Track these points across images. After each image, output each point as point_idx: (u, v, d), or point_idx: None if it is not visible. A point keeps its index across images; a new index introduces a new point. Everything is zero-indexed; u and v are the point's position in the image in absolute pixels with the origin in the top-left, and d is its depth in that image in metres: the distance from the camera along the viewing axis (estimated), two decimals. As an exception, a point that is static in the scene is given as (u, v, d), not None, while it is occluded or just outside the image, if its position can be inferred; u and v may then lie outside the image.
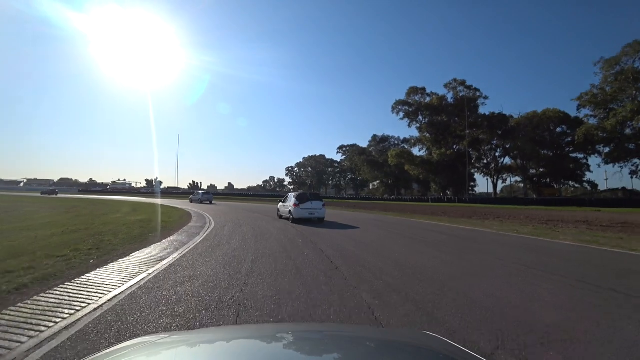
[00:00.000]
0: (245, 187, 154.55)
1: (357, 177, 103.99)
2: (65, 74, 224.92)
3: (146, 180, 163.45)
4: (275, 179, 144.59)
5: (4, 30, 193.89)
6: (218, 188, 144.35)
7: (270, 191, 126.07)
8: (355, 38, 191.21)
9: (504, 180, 64.05)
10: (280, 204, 17.20)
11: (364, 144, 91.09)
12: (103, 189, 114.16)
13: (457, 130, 56.61)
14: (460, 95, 57.23)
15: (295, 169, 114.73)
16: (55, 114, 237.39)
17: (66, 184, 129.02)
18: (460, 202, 45.25)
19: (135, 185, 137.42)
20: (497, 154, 59.53)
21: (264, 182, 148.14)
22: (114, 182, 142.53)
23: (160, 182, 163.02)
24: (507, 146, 55.28)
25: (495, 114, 54.96)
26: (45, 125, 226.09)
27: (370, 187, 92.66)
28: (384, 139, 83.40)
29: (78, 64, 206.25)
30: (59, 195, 55.87)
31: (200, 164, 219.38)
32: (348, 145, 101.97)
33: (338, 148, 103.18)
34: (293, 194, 15.70)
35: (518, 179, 64.19)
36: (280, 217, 16.76)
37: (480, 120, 55.22)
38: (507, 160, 59.22)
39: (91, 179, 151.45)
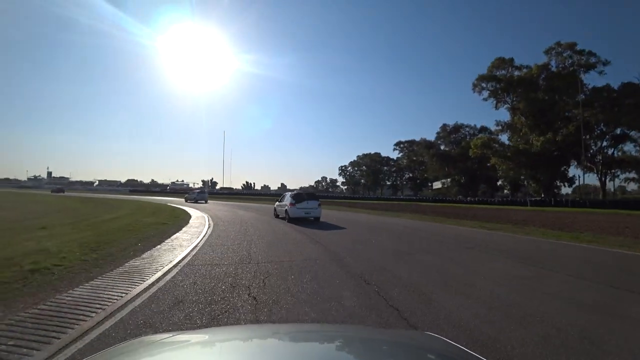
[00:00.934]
0: (298, 187, 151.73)
1: (417, 176, 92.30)
2: (134, 84, 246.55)
3: (202, 181, 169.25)
4: (328, 179, 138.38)
5: (83, 47, 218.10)
6: (271, 188, 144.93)
7: (322, 191, 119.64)
8: (409, 23, 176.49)
9: (613, 177, 47.57)
10: (277, 203, 16.94)
11: (425, 137, 79.58)
12: (163, 189, 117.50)
13: (564, 110, 42.92)
14: (569, 62, 43.37)
15: (349, 168, 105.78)
16: (126, 121, 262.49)
17: (130, 185, 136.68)
18: (577, 207, 32.22)
19: (192, 186, 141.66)
20: (604, 143, 44.73)
21: (315, 182, 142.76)
22: (173, 183, 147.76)
23: (215, 183, 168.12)
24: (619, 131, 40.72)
25: (623, 84, 40.28)
26: (117, 132, 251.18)
27: (434, 187, 78.64)
28: (457, 128, 70.00)
29: (146, 74, 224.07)
30: (82, 195, 54.94)
31: (254, 165, 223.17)
32: (406, 142, 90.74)
33: (395, 145, 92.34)
34: (289, 193, 15.83)
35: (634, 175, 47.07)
36: (277, 216, 16.47)
37: (602, 95, 40.88)
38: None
39: (153, 179, 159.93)
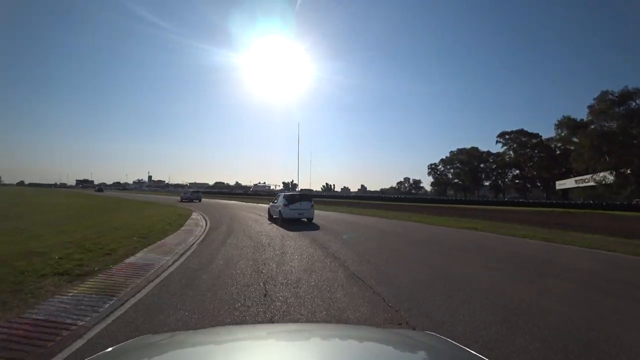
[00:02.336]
0: (378, 189, 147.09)
1: (527, 174, 75.28)
2: (223, 96, 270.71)
3: (283, 182, 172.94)
4: (411, 180, 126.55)
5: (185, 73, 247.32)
6: (351, 190, 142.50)
7: (404, 193, 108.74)
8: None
9: None
10: (271, 204, 16.53)
11: (533, 128, 62.86)
12: (245, 191, 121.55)
13: None
14: None
15: (439, 166, 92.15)
16: (215, 129, 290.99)
17: (217, 187, 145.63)
18: None
19: (273, 188, 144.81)
20: None
21: (398, 183, 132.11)
22: (255, 185, 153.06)
23: (295, 185, 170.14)
24: None
25: None
26: (206, 139, 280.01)
27: (573, 183, 57.21)
28: (627, 94, 45.81)
29: (233, 85, 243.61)
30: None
31: (335, 167, 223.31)
32: (513, 132, 74.62)
33: (498, 136, 76.69)
34: (282, 194, 15.67)
35: None
36: (271, 216, 16.05)
37: None
38: None
39: (237, 182, 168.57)
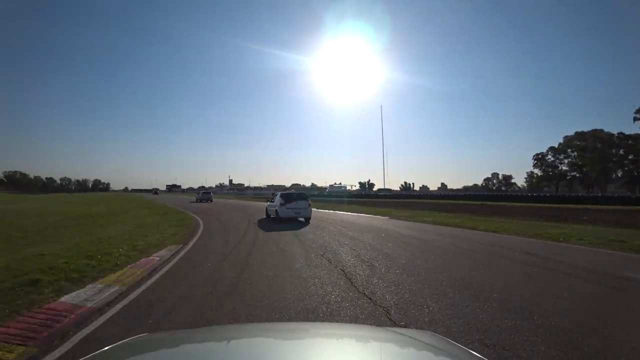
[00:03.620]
0: (461, 186, 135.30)
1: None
2: (297, 101, 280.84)
3: (359, 182, 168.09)
4: (500, 176, 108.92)
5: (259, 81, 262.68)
6: (430, 189, 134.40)
7: (492, 190, 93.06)
8: None
9: None
10: (269, 203, 16.55)
11: None
12: (321, 192, 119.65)
13: None
14: None
15: (548, 156, 73.97)
16: (296, 131, 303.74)
17: (294, 189, 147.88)
18: None
19: (349, 188, 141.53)
20: None
21: (485, 180, 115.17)
22: (331, 186, 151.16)
23: (372, 185, 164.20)
24: None
25: None
26: (282, 143, 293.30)
27: None
28: None
29: (308, 88, 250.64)
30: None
31: (414, 165, 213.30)
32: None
33: (637, 112, 58.62)
34: (279, 193, 15.43)
35: None
36: (269, 216, 15.96)
37: None
38: None
39: (313, 183, 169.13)
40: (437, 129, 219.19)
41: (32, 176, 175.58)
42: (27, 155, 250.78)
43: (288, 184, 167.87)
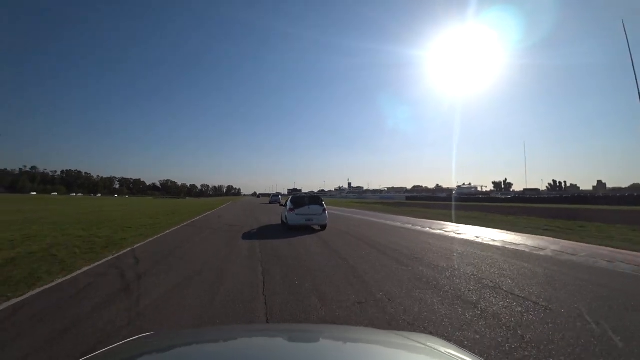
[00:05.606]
0: (628, 184, 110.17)
1: None
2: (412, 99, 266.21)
3: (493, 182, 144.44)
4: None
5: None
6: (580, 188, 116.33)
7: None
8: None
9: None
10: (283, 207, 14.29)
11: None
12: (448, 195, 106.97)
13: None
14: None
15: None
16: (410, 132, 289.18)
17: (416, 191, 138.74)
18: None
19: (480, 189, 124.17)
20: None
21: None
22: (459, 187, 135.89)
23: (510, 184, 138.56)
24: None
25: None
26: (399, 145, 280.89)
27: None
28: None
29: (425, 83, 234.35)
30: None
31: (562, 161, 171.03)
32: None
33: None
34: (291, 197, 13.38)
35: None
36: (284, 223, 13.75)
37: None
38: None
39: (437, 184, 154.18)
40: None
41: (179, 183, 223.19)
42: (177, 165, 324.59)
43: (409, 186, 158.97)
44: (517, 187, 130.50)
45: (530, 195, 72.66)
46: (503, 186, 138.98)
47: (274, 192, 72.87)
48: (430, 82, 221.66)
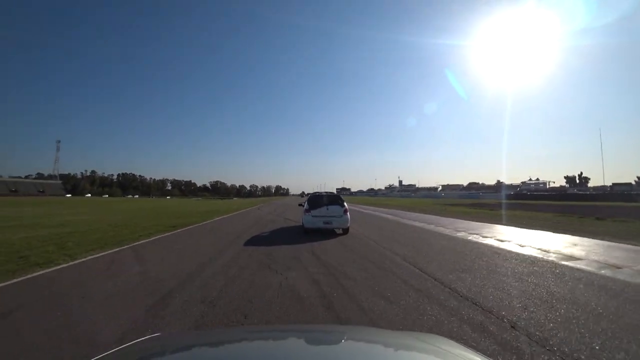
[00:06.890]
0: None
1: None
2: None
3: (565, 177, 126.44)
4: None
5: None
6: None
7: None
8: None
9: None
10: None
11: None
12: (513, 191, 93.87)
13: None
14: None
15: None
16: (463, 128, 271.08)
17: (474, 188, 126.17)
18: None
19: (549, 185, 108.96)
20: None
21: None
22: (523, 183, 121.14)
23: (586, 179, 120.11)
24: None
25: None
26: (451, 141, 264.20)
27: None
28: None
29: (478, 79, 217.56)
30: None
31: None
32: None
33: None
34: (309, 196, 12.40)
35: None
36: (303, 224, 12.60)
37: None
38: None
39: (498, 180, 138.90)
40: None
41: (228, 184, 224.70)
42: (225, 167, 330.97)
43: (465, 183, 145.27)
44: (595, 182, 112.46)
45: (626, 191, 59.12)
46: (578, 181, 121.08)
47: (306, 192, 67.33)
48: (483, 74, 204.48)
